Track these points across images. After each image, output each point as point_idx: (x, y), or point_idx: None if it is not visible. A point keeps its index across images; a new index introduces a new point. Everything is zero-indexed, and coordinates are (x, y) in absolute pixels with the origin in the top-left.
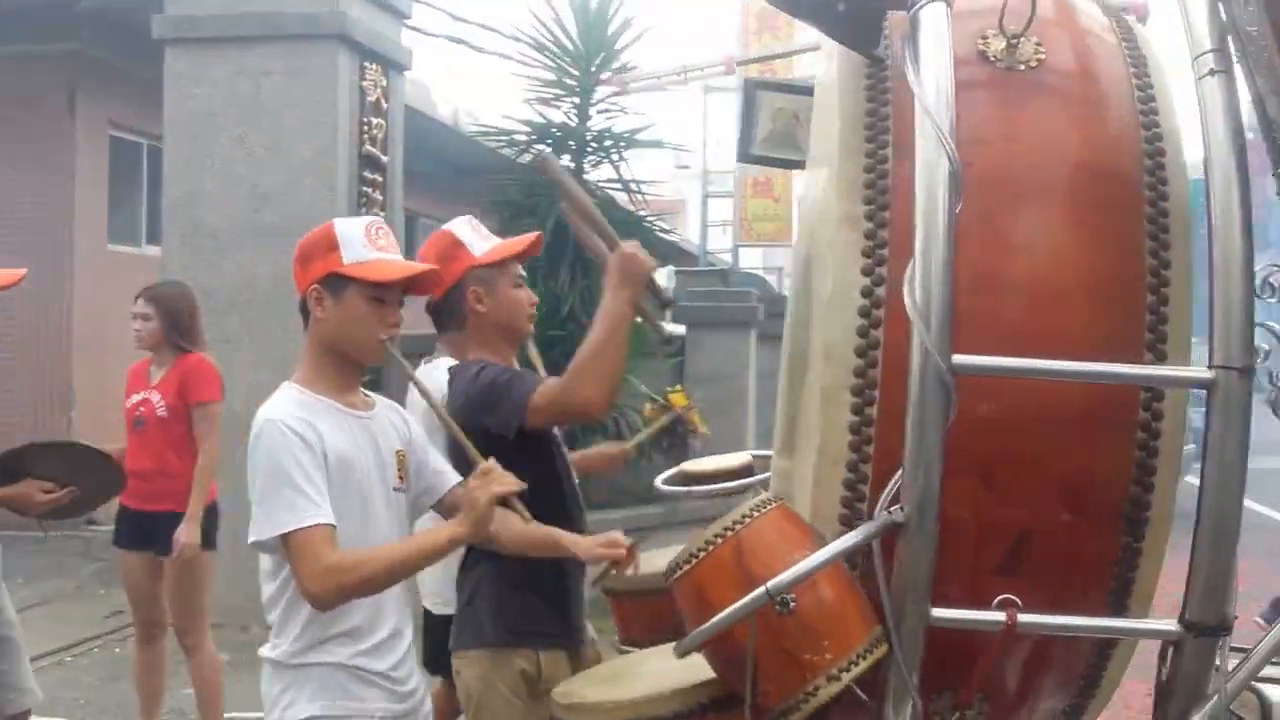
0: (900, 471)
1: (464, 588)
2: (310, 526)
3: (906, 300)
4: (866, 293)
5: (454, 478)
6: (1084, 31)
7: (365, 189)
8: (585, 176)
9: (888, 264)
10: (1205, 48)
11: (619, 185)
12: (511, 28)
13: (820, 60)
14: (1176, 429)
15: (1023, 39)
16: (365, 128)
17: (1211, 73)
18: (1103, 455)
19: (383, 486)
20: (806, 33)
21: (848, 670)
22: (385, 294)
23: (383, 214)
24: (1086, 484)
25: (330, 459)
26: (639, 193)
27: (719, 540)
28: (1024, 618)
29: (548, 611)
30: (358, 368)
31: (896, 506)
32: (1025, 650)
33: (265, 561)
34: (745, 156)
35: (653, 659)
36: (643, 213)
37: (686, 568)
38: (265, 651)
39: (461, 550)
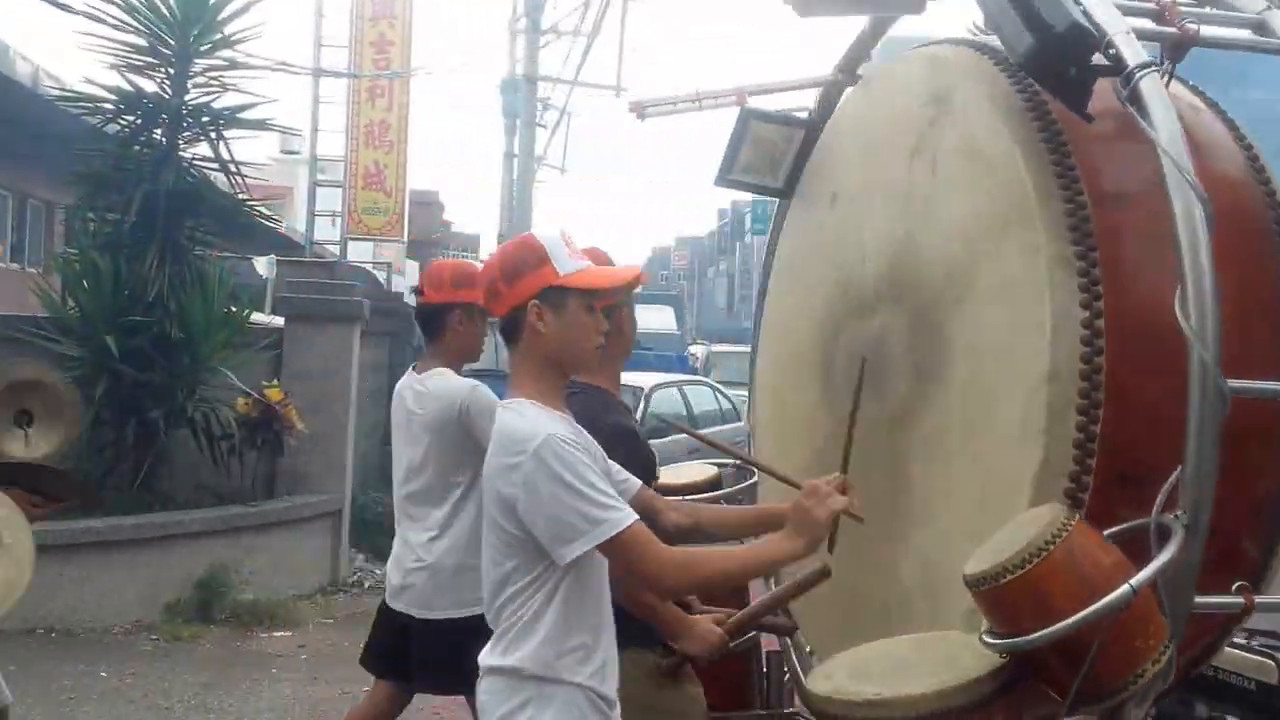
0: (1175, 477)
1: None
2: (635, 523)
3: (1183, 324)
4: (1087, 324)
5: (636, 482)
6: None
7: None
8: (180, 153)
9: (1104, 299)
10: None
11: (216, 165)
12: None
13: (855, 95)
14: None
15: None
16: None
17: None
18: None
19: None
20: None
21: (1164, 653)
22: (596, 302)
23: None
24: (1267, 494)
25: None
26: (239, 174)
27: (1048, 549)
28: (1259, 599)
29: None
30: (566, 379)
31: (1178, 511)
32: None
33: (498, 569)
34: (723, 181)
35: (889, 650)
36: (243, 196)
37: (1019, 572)
38: (495, 659)
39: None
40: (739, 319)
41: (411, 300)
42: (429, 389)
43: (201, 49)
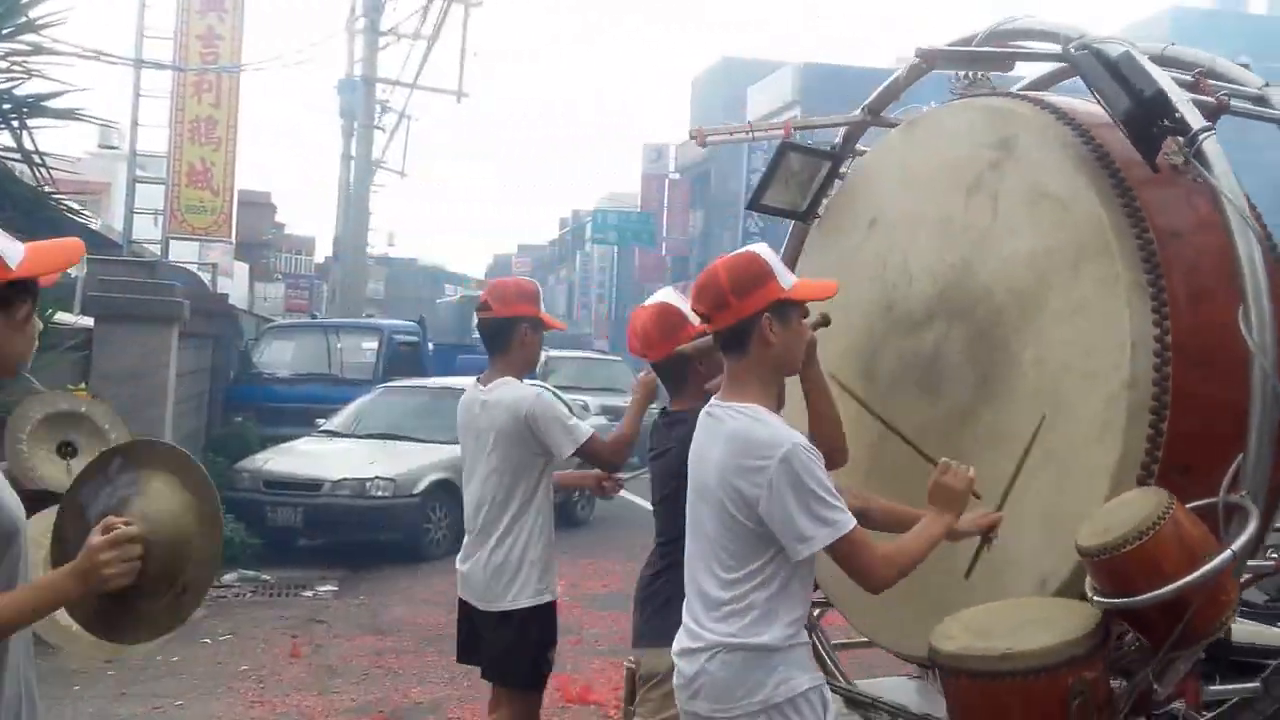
0: (1236, 464)
1: (658, 594)
2: (856, 525)
3: (1247, 337)
4: (1159, 340)
5: None
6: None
7: None
8: None
9: (1170, 320)
10: None
11: (19, 156)
12: None
13: (898, 136)
14: None
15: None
16: None
17: None
18: None
19: None
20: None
21: (1237, 606)
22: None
23: None
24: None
25: None
26: (43, 166)
27: (1159, 524)
28: None
29: None
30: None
31: (1242, 493)
32: None
33: (727, 557)
34: (755, 206)
35: (992, 613)
36: (49, 190)
37: (1137, 543)
38: (736, 639)
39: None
40: (579, 326)
41: (227, 308)
42: (496, 398)
43: (2, 31)
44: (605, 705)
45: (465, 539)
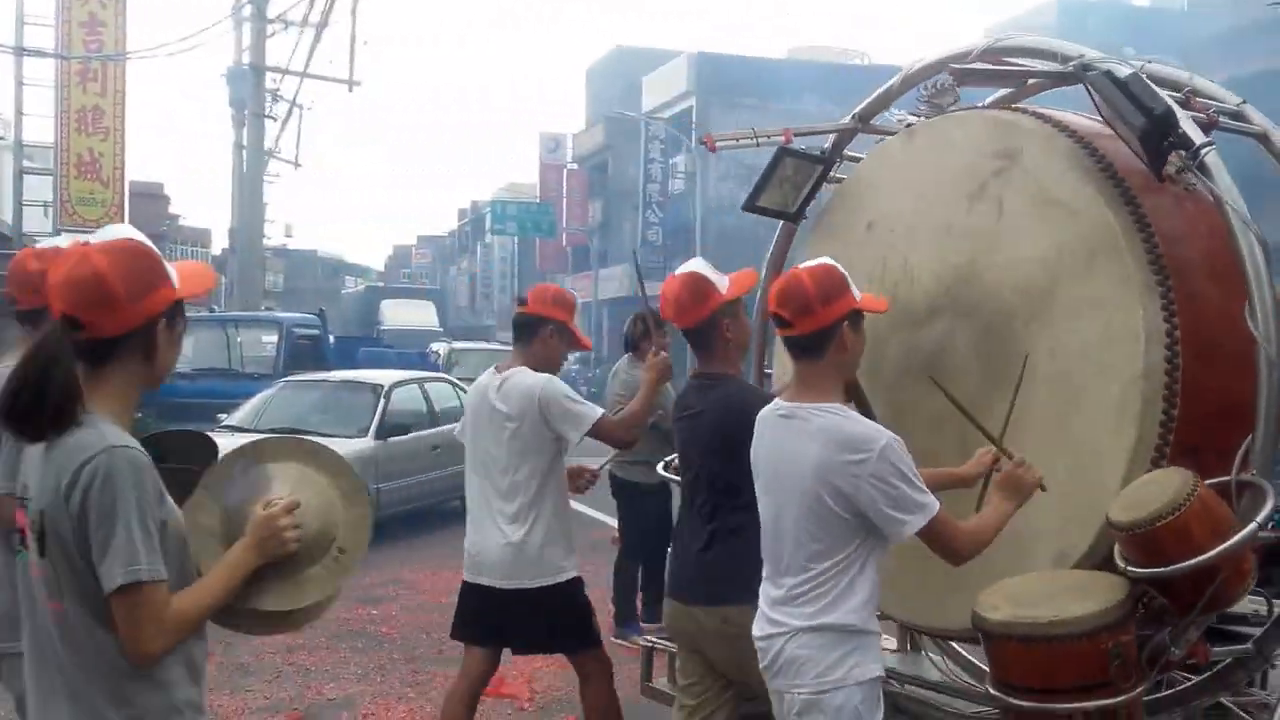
0: (1246, 445)
1: (725, 557)
2: (941, 507)
3: (1254, 329)
4: (1169, 334)
5: None
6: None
7: None
8: None
9: (1178, 316)
10: None
11: None
12: None
13: (896, 144)
14: None
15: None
16: None
17: None
18: None
19: None
20: None
21: (1255, 574)
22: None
23: None
24: None
25: None
26: None
27: (1189, 500)
28: None
29: None
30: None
31: (1253, 471)
32: None
33: (812, 544)
34: (750, 207)
35: (1027, 585)
36: None
37: (1171, 517)
38: (817, 619)
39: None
40: (480, 316)
41: None
42: (512, 384)
43: None
44: (519, 698)
45: (470, 522)
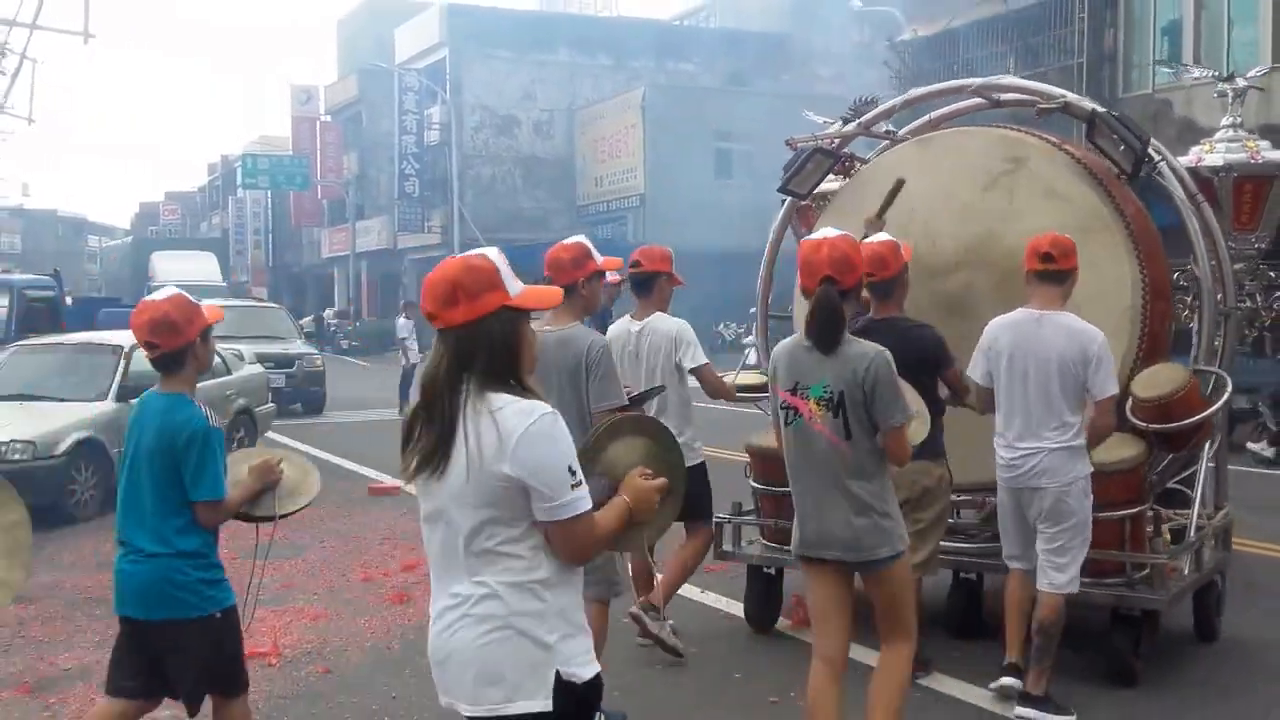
0: (1197, 345)
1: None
2: None
3: (1200, 275)
4: (1142, 281)
5: None
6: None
7: None
8: None
9: (1145, 271)
10: None
11: None
12: None
13: (911, 148)
14: None
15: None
16: None
17: None
18: None
19: None
20: None
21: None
22: None
23: None
24: None
25: None
26: None
27: (1190, 382)
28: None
29: None
30: None
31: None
32: None
33: (1072, 402)
34: (784, 189)
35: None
36: None
37: (1182, 392)
38: (1074, 442)
39: None
40: (235, 272)
41: None
42: (651, 327)
43: None
44: (266, 655)
45: None
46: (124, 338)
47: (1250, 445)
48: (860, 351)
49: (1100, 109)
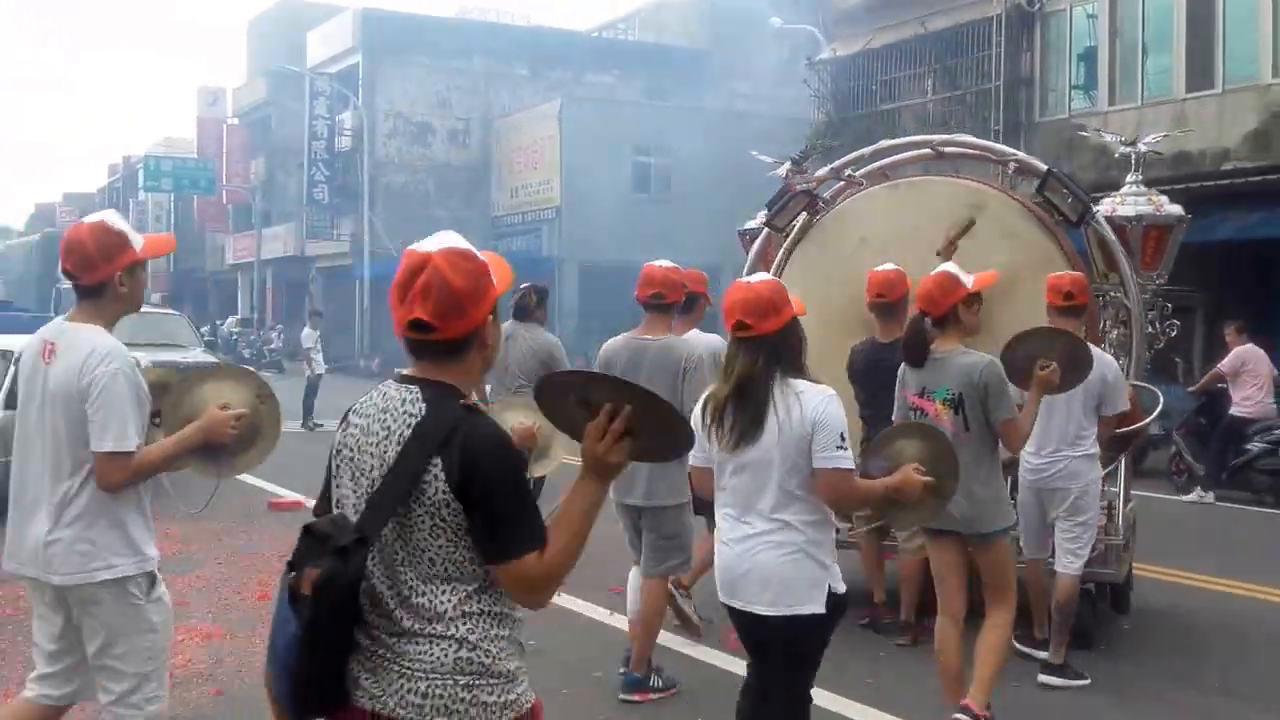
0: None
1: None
2: None
3: (1127, 301)
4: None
5: None
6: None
7: None
8: None
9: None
10: None
11: None
12: None
13: (881, 191)
14: None
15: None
16: None
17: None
18: None
19: None
20: None
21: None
22: None
23: None
24: None
25: None
26: None
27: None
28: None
29: None
30: None
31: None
32: None
33: (1091, 416)
34: (767, 223)
35: None
36: None
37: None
38: (1089, 451)
39: None
40: None
41: None
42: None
43: None
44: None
45: None
46: (16, 342)
47: (1184, 498)
48: (975, 360)
49: (1053, 169)
